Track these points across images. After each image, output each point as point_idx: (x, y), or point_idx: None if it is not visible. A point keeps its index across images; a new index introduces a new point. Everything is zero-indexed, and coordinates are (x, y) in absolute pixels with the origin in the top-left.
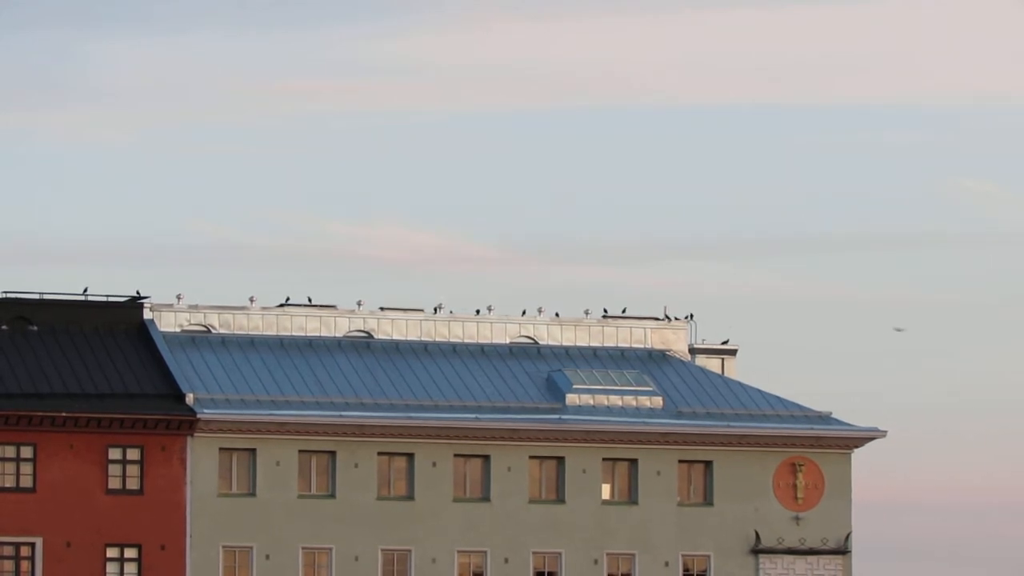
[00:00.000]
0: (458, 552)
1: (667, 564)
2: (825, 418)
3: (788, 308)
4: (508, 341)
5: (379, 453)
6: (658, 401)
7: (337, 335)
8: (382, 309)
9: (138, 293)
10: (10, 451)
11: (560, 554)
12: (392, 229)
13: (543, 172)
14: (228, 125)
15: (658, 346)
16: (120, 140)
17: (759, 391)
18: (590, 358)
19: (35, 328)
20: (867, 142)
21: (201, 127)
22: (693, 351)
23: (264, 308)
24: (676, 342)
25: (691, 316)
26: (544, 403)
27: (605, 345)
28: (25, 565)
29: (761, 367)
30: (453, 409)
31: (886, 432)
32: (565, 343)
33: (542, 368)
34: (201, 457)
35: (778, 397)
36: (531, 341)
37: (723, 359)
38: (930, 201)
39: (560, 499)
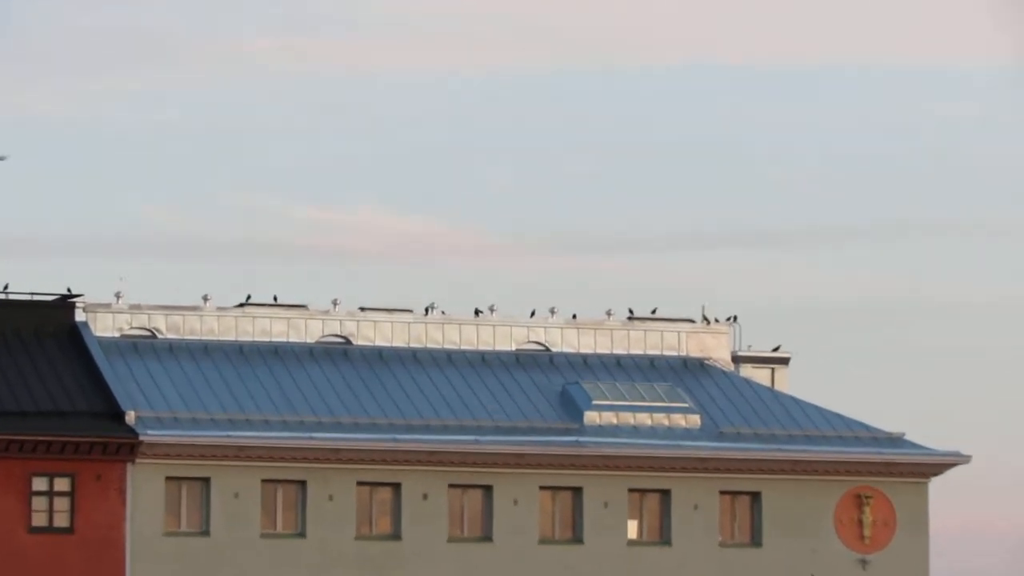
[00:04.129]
0: None
1: None
2: (897, 440)
3: (851, 309)
4: (514, 348)
5: (359, 483)
6: (695, 420)
7: (308, 341)
8: (362, 310)
9: (68, 291)
10: None
11: None
12: (373, 214)
13: (556, 146)
14: (174, 92)
15: (695, 354)
16: (44, 110)
17: (816, 408)
18: (613, 368)
19: None
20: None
21: (141, 95)
22: (737, 359)
23: (220, 308)
24: (717, 349)
25: (735, 318)
26: (558, 422)
27: (631, 352)
28: None
29: (819, 379)
30: (448, 430)
31: (970, 457)
32: (583, 350)
33: (555, 380)
34: (144, 488)
35: (839, 415)
36: (542, 348)
37: (773, 369)
38: None
39: (577, 539)
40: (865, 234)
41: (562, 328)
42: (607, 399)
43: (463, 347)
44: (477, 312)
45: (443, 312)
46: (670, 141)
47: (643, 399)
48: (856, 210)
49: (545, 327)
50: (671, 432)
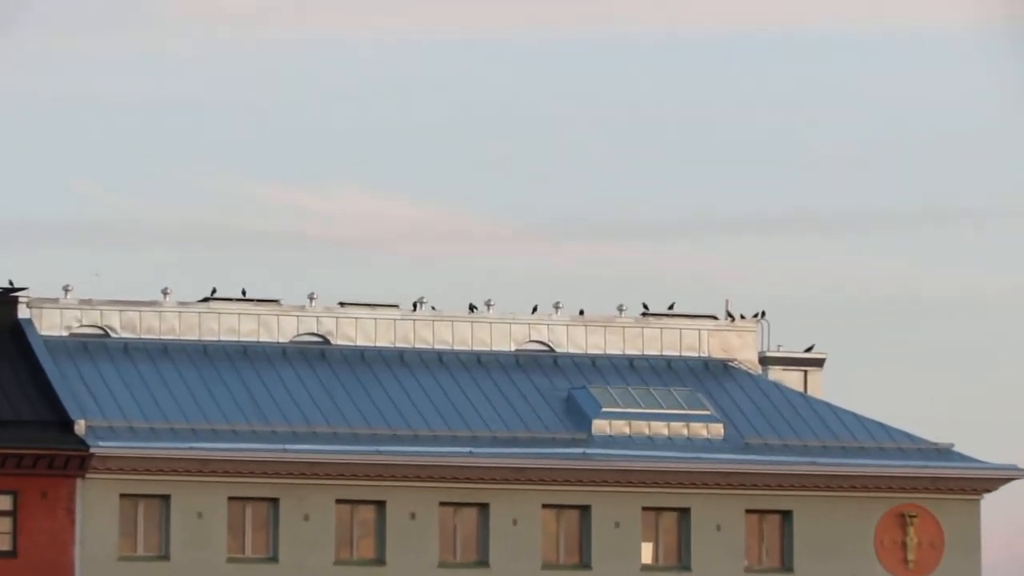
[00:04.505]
0: None
1: None
2: (945, 452)
3: (894, 304)
4: (513, 348)
5: (338, 501)
6: (718, 429)
7: (281, 340)
8: (342, 305)
9: (10, 283)
10: None
11: None
12: (354, 197)
13: (562, 120)
14: (127, 59)
15: (718, 354)
16: None
17: (854, 416)
18: (625, 371)
19: None
20: None
21: (91, 63)
22: (765, 361)
23: (182, 304)
24: (742, 349)
25: (763, 314)
26: (562, 432)
27: (645, 353)
28: None
29: (857, 383)
30: (438, 441)
31: None
32: (591, 350)
33: (560, 385)
34: (96, 506)
35: (880, 424)
36: (545, 348)
37: (806, 372)
38: None
39: (585, 563)
40: (911, 220)
41: (568, 326)
42: (618, 406)
43: (456, 347)
44: (472, 308)
45: (433, 308)
46: (689, 116)
47: (659, 406)
48: (901, 193)
49: (548, 324)
50: (690, 443)
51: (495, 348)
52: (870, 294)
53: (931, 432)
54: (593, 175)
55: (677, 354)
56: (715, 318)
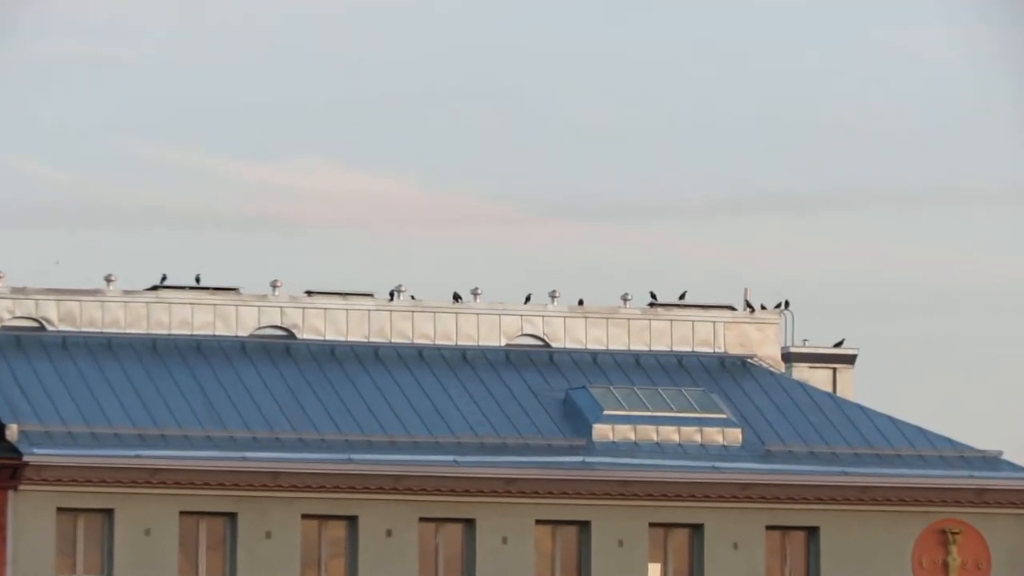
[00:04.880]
0: None
1: None
2: (992, 461)
3: (935, 294)
4: (504, 343)
5: (304, 516)
6: (735, 435)
7: (240, 334)
8: (309, 294)
9: None
10: None
11: None
12: (324, 173)
13: (559, 89)
14: (67, 16)
15: (735, 350)
16: None
17: (890, 419)
18: (630, 369)
19: None
20: None
21: (31, 28)
22: (789, 357)
23: (128, 292)
24: (763, 344)
25: (786, 304)
26: (559, 438)
27: (653, 349)
28: None
29: (893, 383)
30: (419, 448)
31: None
32: (592, 345)
33: (557, 384)
34: (30, 522)
35: (919, 429)
36: (540, 343)
37: (835, 370)
38: None
39: None
40: (957, 200)
41: (565, 317)
42: (622, 408)
43: (438, 342)
44: (456, 297)
45: (413, 297)
46: (701, 83)
47: (668, 408)
48: (948, 169)
49: (544, 316)
50: (704, 451)
51: (483, 343)
52: (909, 282)
53: (977, 438)
54: (595, 148)
55: (689, 349)
56: (732, 309)
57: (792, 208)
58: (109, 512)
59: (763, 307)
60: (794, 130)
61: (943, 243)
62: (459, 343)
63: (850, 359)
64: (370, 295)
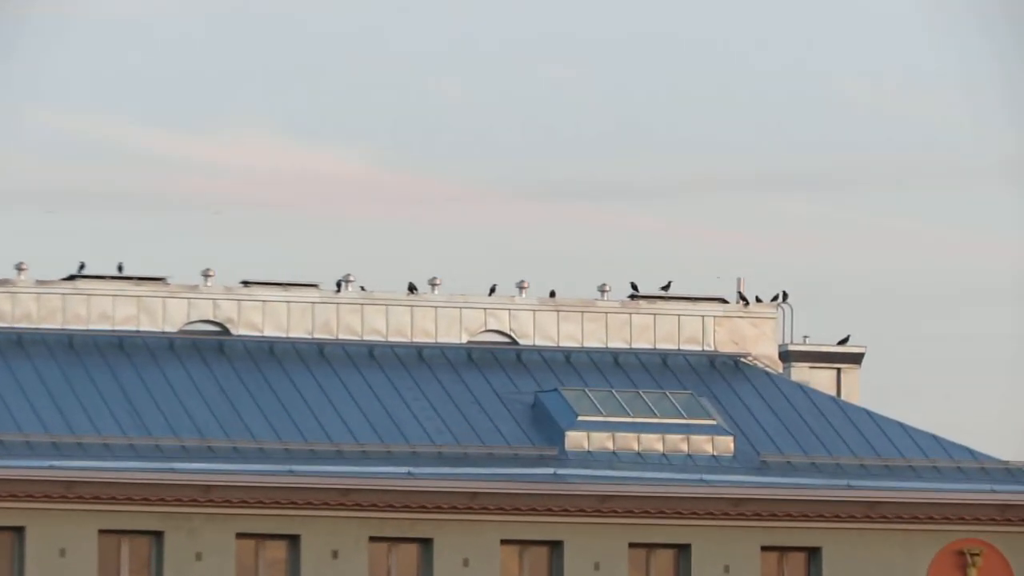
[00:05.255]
0: None
1: None
2: (1017, 473)
3: (953, 285)
4: (466, 340)
5: (240, 535)
6: (726, 444)
7: (168, 330)
8: (245, 284)
9: None
10: None
11: None
12: (264, 149)
13: (529, 52)
14: None
15: (727, 348)
16: None
17: (901, 426)
18: (608, 369)
19: None
20: None
21: None
22: (787, 356)
23: (40, 283)
24: (758, 341)
25: (784, 296)
26: (528, 447)
27: (634, 347)
28: None
29: (905, 385)
30: (370, 458)
31: None
32: (565, 343)
33: (525, 386)
34: None
35: (935, 437)
36: (506, 339)
37: (839, 370)
38: None
39: None
40: (976, 174)
41: (535, 311)
42: (599, 414)
43: (391, 339)
44: (412, 288)
45: (363, 288)
46: (689, 46)
47: (651, 414)
48: (969, 141)
49: (510, 309)
50: (691, 462)
51: (442, 340)
52: (923, 271)
53: (1000, 448)
54: (568, 120)
55: (675, 347)
56: (724, 302)
57: (791, 188)
58: (19, 530)
59: (758, 299)
60: (793, 102)
61: (961, 227)
62: (415, 340)
63: (856, 358)
64: (314, 286)
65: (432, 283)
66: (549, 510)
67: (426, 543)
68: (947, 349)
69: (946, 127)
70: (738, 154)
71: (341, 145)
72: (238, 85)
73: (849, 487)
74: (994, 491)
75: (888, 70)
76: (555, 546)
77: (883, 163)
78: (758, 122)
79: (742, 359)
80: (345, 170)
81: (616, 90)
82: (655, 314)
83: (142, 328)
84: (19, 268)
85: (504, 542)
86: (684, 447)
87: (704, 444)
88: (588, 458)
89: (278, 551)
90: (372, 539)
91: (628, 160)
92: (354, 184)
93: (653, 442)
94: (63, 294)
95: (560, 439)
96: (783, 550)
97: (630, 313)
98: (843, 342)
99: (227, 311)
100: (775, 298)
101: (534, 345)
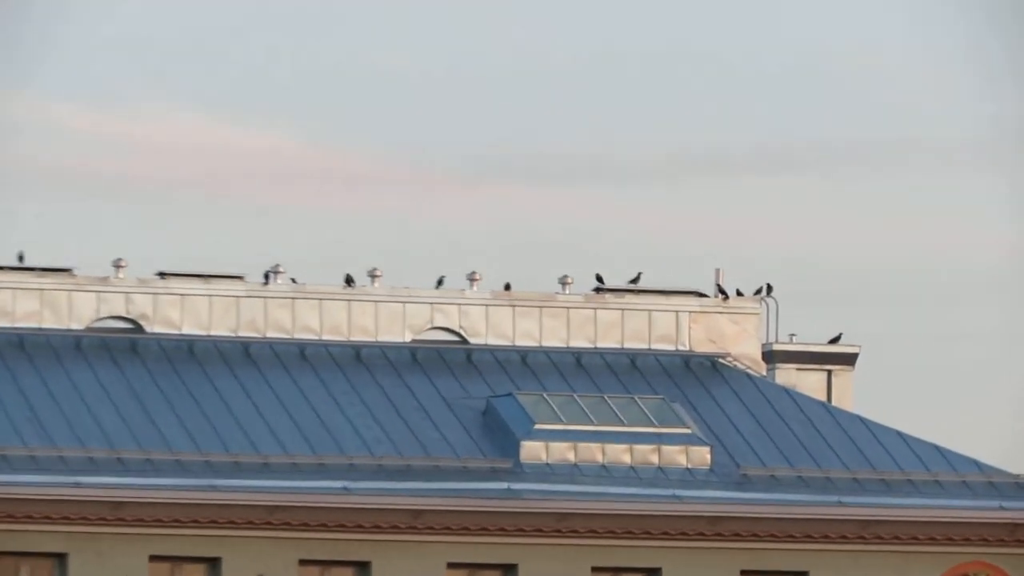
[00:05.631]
0: None
1: None
2: None
3: (958, 277)
4: (409, 338)
5: (153, 558)
6: (702, 455)
7: (74, 327)
8: (162, 276)
9: None
10: None
11: None
12: (182, 122)
13: (483, 19)
14: None
15: (704, 348)
16: None
17: (899, 435)
18: (569, 371)
19: None
20: None
21: None
22: (772, 357)
23: None
24: (739, 339)
25: (768, 289)
26: (479, 459)
27: (599, 346)
28: None
29: (904, 389)
30: (300, 472)
31: None
32: (521, 342)
33: (476, 390)
34: None
35: (937, 447)
36: (455, 338)
37: (830, 373)
38: None
39: None
40: (981, 151)
41: (487, 305)
42: (559, 421)
43: (326, 337)
44: (349, 281)
45: (294, 280)
46: (658, 19)
47: (618, 421)
48: (975, 116)
49: (460, 304)
50: (663, 476)
51: (383, 339)
52: (925, 264)
53: (1009, 460)
54: (525, 93)
55: (645, 347)
56: (700, 295)
57: (775, 168)
58: None
59: (739, 293)
60: (775, 75)
61: (966, 211)
62: (352, 339)
63: (849, 359)
64: (239, 278)
65: (372, 275)
66: (502, 530)
67: (363, 567)
68: (951, 348)
69: (937, 108)
70: (716, 133)
71: (271, 122)
72: (156, 56)
73: (840, 504)
74: (1003, 508)
75: (879, 48)
76: (508, 570)
77: (879, 144)
78: (736, 100)
79: (720, 360)
80: (275, 147)
81: (579, 65)
82: (623, 309)
83: (45, 325)
84: None
85: (451, 566)
86: (655, 459)
87: (677, 455)
88: (546, 471)
89: (197, 575)
90: (302, 562)
91: (594, 139)
92: (286, 165)
93: (620, 453)
94: None
95: (515, 450)
96: (767, 574)
97: (595, 308)
98: (834, 341)
99: (141, 306)
100: (758, 291)
101: (486, 344)
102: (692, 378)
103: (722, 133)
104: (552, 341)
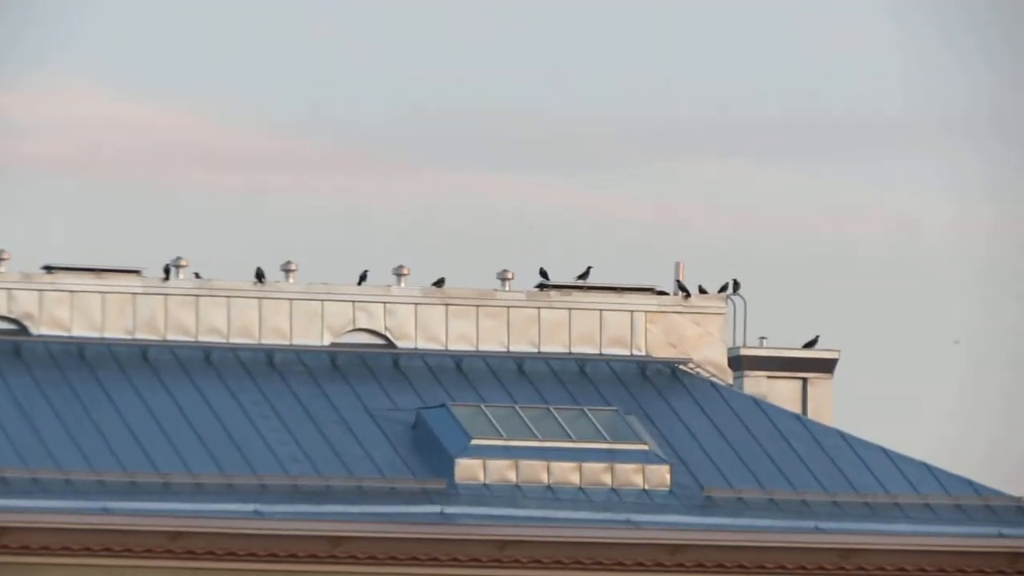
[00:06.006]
0: None
1: None
2: None
3: (949, 269)
4: (329, 342)
5: None
6: (661, 475)
7: None
8: (48, 270)
9: None
10: None
11: None
12: (67, 93)
13: None
14: None
15: (662, 352)
16: None
17: (885, 452)
18: (510, 378)
19: None
20: None
21: None
22: (739, 363)
23: None
24: (702, 343)
25: (735, 286)
26: (408, 479)
27: (543, 350)
28: None
29: (890, 400)
30: (205, 493)
31: None
32: (455, 345)
33: (405, 401)
34: None
35: (927, 466)
36: (381, 341)
37: (806, 381)
38: None
39: None
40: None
41: (417, 303)
42: (498, 436)
43: (234, 340)
44: (260, 276)
45: (197, 275)
46: None
47: (565, 436)
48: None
49: (386, 302)
50: (616, 498)
51: (298, 342)
52: (913, 256)
53: (1008, 482)
54: (456, 56)
55: (595, 351)
56: (660, 293)
57: (745, 146)
58: None
59: (702, 290)
60: (744, 36)
61: (962, 198)
62: (264, 342)
63: (828, 365)
64: (135, 272)
65: (286, 269)
66: (435, 559)
67: None
68: (944, 352)
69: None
70: (682, 104)
71: (169, 92)
72: (33, 20)
73: (818, 530)
74: (1002, 536)
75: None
76: None
77: (862, 116)
78: (701, 72)
79: (681, 366)
80: (175, 127)
81: (520, 34)
82: (570, 308)
83: None
84: None
85: None
86: (607, 479)
87: (633, 475)
88: (484, 493)
89: None
90: None
91: (538, 111)
92: (192, 144)
93: (568, 473)
94: None
95: (449, 469)
96: None
97: (539, 307)
98: (811, 344)
99: (25, 304)
100: (724, 288)
101: (416, 348)
102: (649, 387)
103: (686, 104)
104: (491, 344)
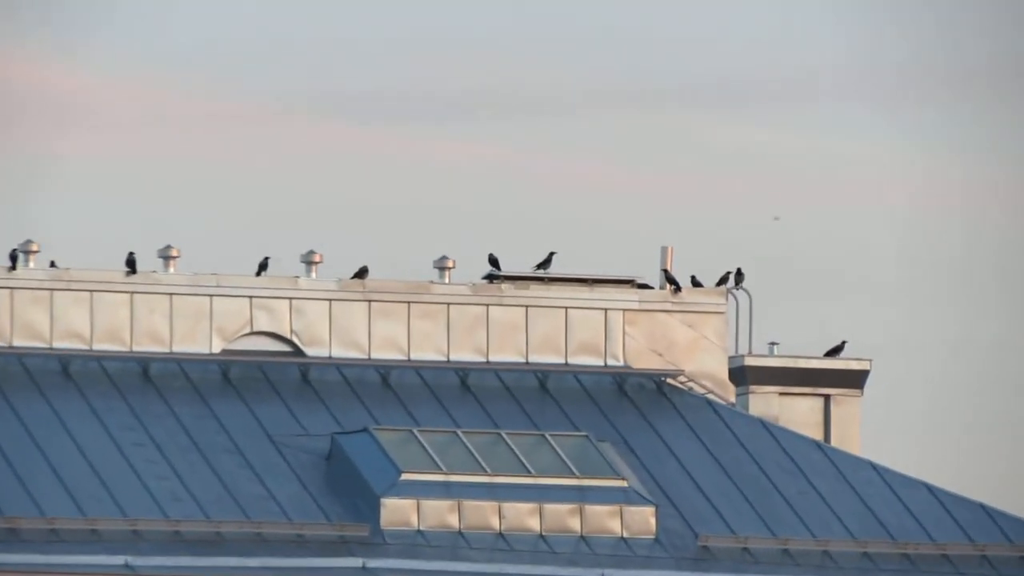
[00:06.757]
0: None
1: None
2: None
3: (981, 264)
4: (220, 348)
5: None
6: (644, 518)
7: None
8: None
9: None
10: None
11: None
12: None
13: None
14: None
15: (646, 363)
16: None
17: (929, 489)
18: (450, 395)
19: None
20: None
21: None
22: (743, 376)
23: None
24: (696, 350)
25: (738, 277)
26: (322, 524)
27: (494, 360)
28: None
29: (934, 422)
30: (64, 542)
31: None
32: (380, 353)
33: (316, 423)
34: None
35: (983, 506)
36: (287, 348)
37: (827, 399)
38: None
39: None
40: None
41: (332, 300)
42: (435, 470)
43: (100, 347)
44: (132, 264)
45: (54, 265)
46: None
47: (521, 469)
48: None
49: (292, 298)
50: (586, 547)
51: (180, 349)
52: (940, 238)
53: None
54: (394, 20)
55: (560, 361)
56: (643, 286)
57: (739, 110)
58: None
59: (696, 282)
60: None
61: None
62: (137, 348)
63: (855, 379)
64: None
65: (166, 256)
66: None
67: None
68: (999, 359)
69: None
70: (666, 65)
71: (31, 44)
72: None
73: None
74: None
75: None
76: None
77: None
78: (691, 26)
79: (670, 380)
80: (40, 81)
81: None
82: (527, 305)
83: None
84: None
85: None
86: (575, 524)
87: (608, 520)
88: (418, 542)
89: None
90: None
91: (491, 69)
92: (55, 104)
93: (525, 516)
94: None
95: (373, 511)
96: None
97: (486, 304)
98: (834, 352)
99: None
100: (723, 280)
101: (330, 357)
102: (629, 406)
103: (669, 64)
104: (426, 352)
